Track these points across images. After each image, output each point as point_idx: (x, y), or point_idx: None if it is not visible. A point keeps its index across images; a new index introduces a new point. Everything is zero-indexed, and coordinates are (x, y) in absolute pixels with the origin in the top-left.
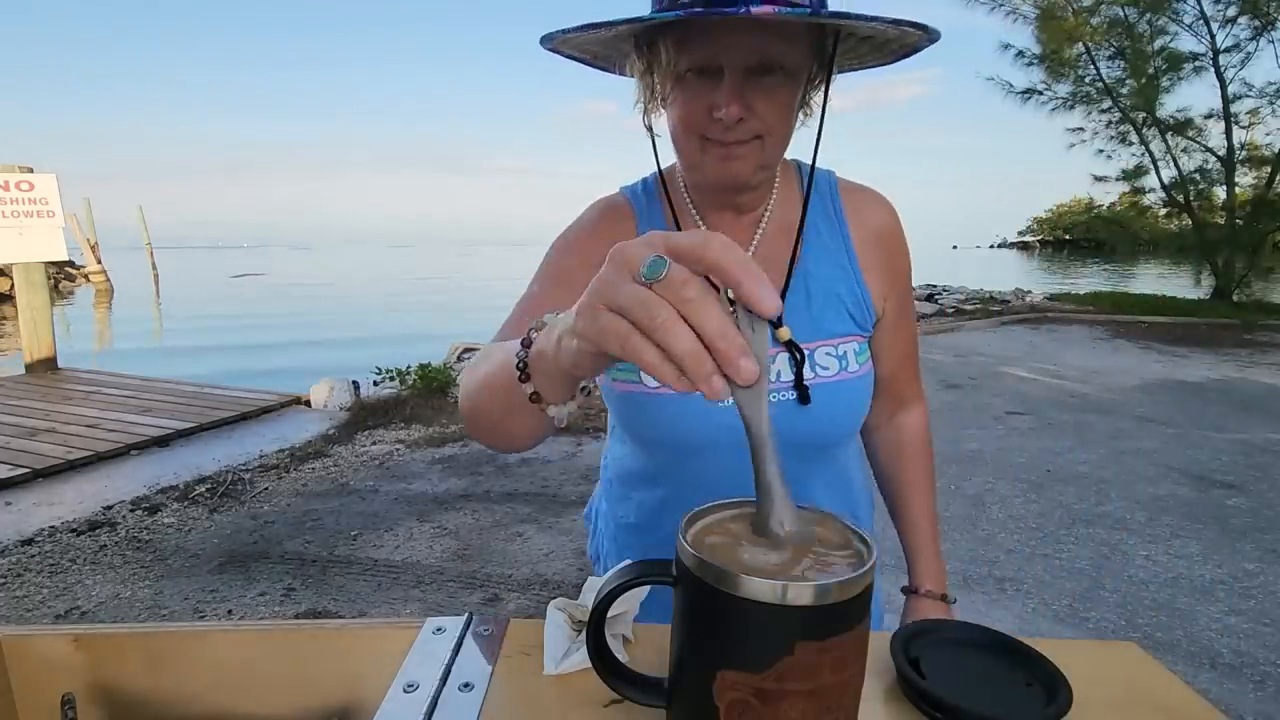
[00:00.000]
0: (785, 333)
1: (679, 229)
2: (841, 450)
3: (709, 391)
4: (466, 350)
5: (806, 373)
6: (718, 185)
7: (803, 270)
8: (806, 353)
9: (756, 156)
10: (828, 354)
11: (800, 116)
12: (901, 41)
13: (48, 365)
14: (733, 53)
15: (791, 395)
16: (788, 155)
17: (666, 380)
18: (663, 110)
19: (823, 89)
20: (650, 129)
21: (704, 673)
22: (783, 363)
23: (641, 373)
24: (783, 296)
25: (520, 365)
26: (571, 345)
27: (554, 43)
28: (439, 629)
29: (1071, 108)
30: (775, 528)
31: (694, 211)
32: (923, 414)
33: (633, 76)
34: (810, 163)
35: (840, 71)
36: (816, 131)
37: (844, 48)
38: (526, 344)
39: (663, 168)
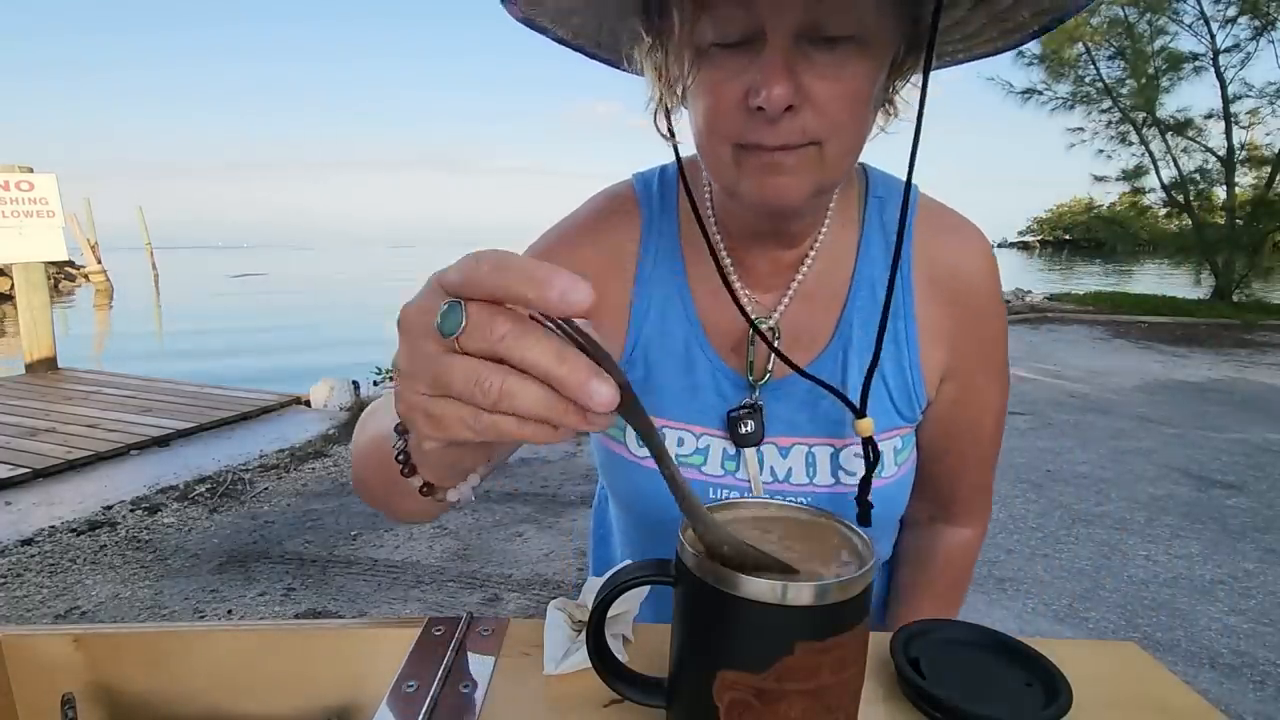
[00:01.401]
0: (867, 426)
1: (706, 247)
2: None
3: (588, 427)
4: None
5: (823, 478)
6: (759, 210)
7: (843, 339)
8: (831, 452)
9: (813, 171)
10: (856, 454)
11: (879, 117)
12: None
13: (48, 365)
14: (778, 9)
15: (807, 501)
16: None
17: (544, 440)
18: (683, 108)
19: (918, 75)
20: (670, 133)
21: (704, 673)
22: (797, 459)
23: (626, 433)
24: (811, 371)
25: (401, 457)
26: (424, 450)
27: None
28: (439, 629)
29: (1071, 108)
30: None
31: (717, 233)
32: (976, 536)
33: (639, 70)
34: (905, 183)
35: (944, 62)
36: (912, 143)
37: (951, 18)
38: (403, 429)
39: (685, 169)
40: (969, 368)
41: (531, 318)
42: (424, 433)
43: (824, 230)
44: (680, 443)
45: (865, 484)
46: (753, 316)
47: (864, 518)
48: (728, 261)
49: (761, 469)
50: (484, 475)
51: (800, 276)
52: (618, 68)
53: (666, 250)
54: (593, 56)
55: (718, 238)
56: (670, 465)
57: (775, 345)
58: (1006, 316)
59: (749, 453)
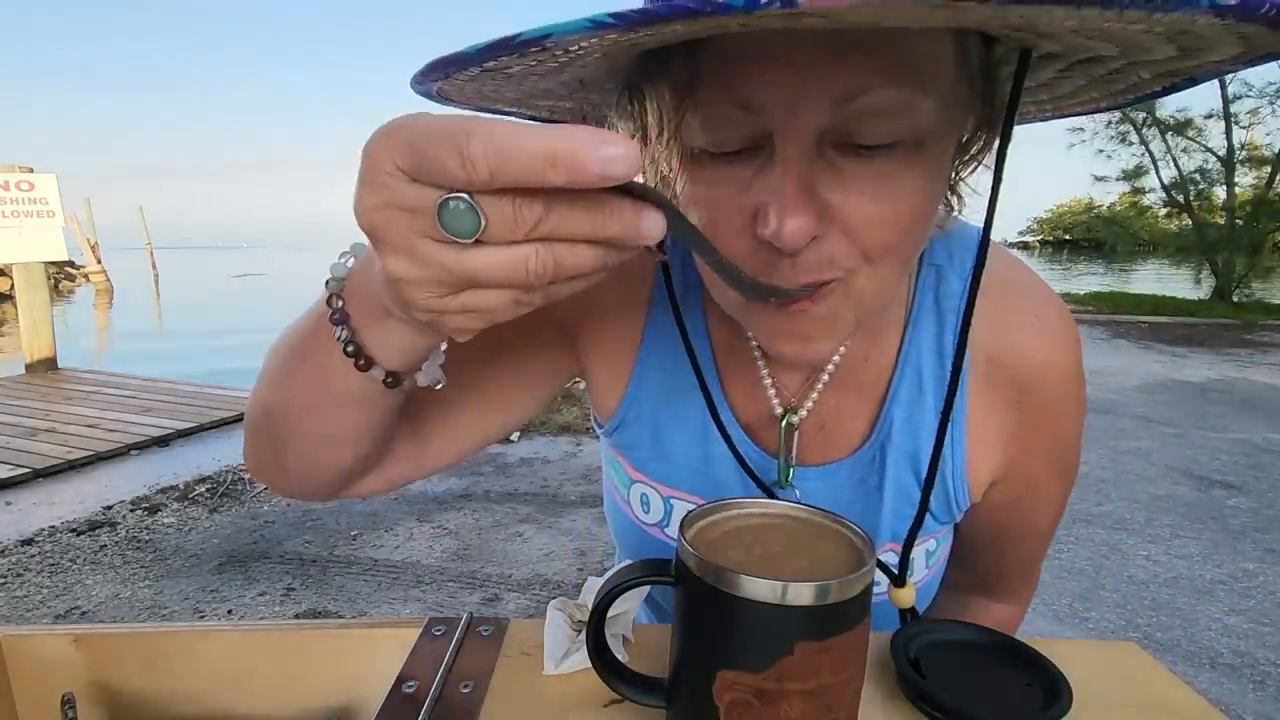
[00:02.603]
0: (907, 597)
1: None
2: None
3: (647, 242)
4: None
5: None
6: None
7: (881, 434)
8: None
9: (845, 316)
10: (882, 560)
11: (944, 210)
12: (1150, 63)
13: (48, 365)
14: (789, 105)
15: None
16: None
17: (602, 277)
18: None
19: (990, 151)
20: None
21: (704, 673)
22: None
23: (629, 495)
24: (845, 469)
25: (350, 349)
26: (464, 340)
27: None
28: (439, 629)
29: None
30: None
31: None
32: (1016, 616)
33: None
34: (975, 269)
35: (1028, 120)
36: (984, 224)
37: (1038, 79)
38: (340, 316)
39: None
40: (1032, 470)
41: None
42: (459, 327)
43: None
44: None
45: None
46: (776, 406)
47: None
48: (752, 338)
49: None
50: (441, 366)
51: (836, 359)
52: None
53: (689, 293)
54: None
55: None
56: (691, 232)
57: (795, 447)
58: (1084, 409)
59: None
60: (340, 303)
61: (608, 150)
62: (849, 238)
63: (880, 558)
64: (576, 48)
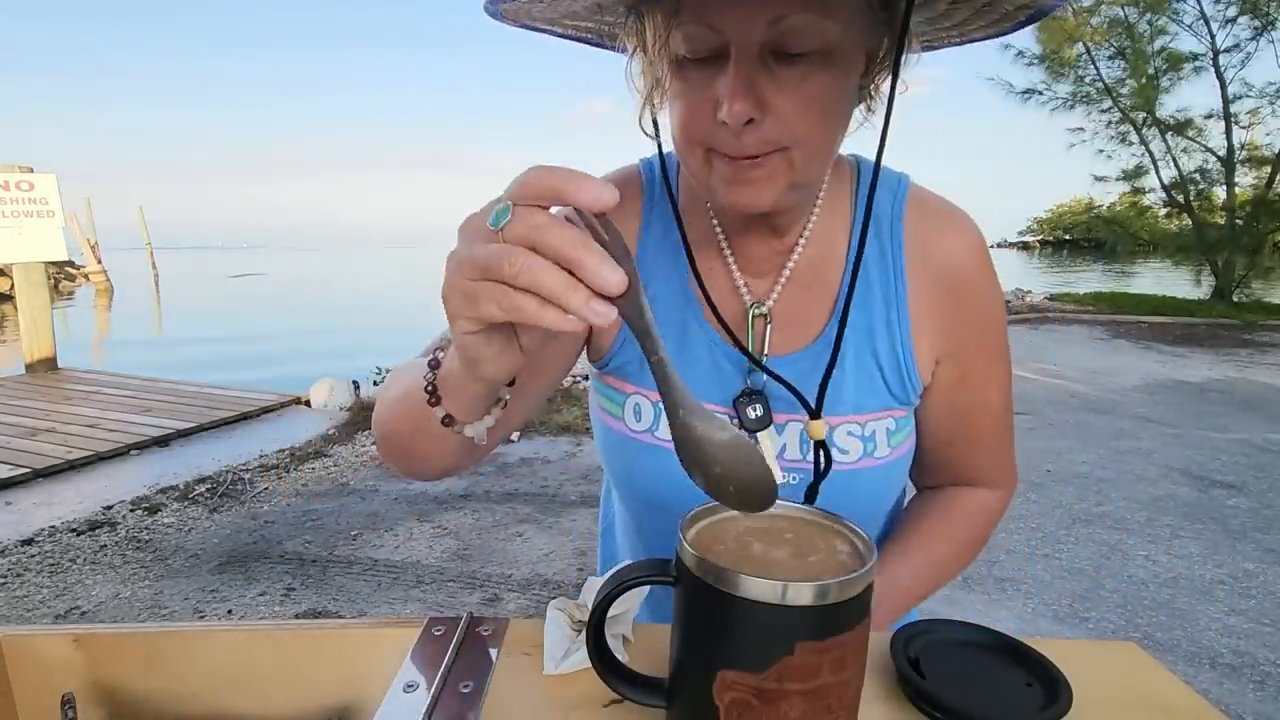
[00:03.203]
0: (819, 429)
1: (683, 231)
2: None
3: (594, 318)
4: None
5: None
6: (731, 210)
7: (838, 320)
8: (827, 430)
9: (781, 176)
10: (850, 433)
11: (860, 113)
12: None
13: (48, 365)
14: (738, 23)
15: (801, 479)
16: (845, 150)
17: (554, 324)
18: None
19: (889, 70)
20: (655, 131)
21: (704, 673)
22: (792, 436)
23: (624, 409)
24: (805, 356)
25: (430, 388)
26: (460, 339)
27: (504, 9)
28: (439, 629)
29: (1071, 108)
30: (711, 436)
31: (716, 224)
32: (998, 499)
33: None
34: (875, 163)
35: (937, 44)
36: (881, 132)
37: (934, 10)
38: (435, 364)
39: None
40: (968, 350)
41: (566, 218)
42: (459, 311)
43: (814, 218)
44: None
45: (813, 489)
46: (748, 300)
47: (810, 497)
48: (724, 245)
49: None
50: (494, 420)
51: (793, 262)
52: (613, 49)
53: (666, 229)
54: (580, 39)
55: (714, 223)
56: (660, 352)
57: (768, 336)
58: (1003, 299)
59: (762, 437)
60: (432, 381)
61: (605, 186)
62: (781, 123)
63: (845, 429)
64: None
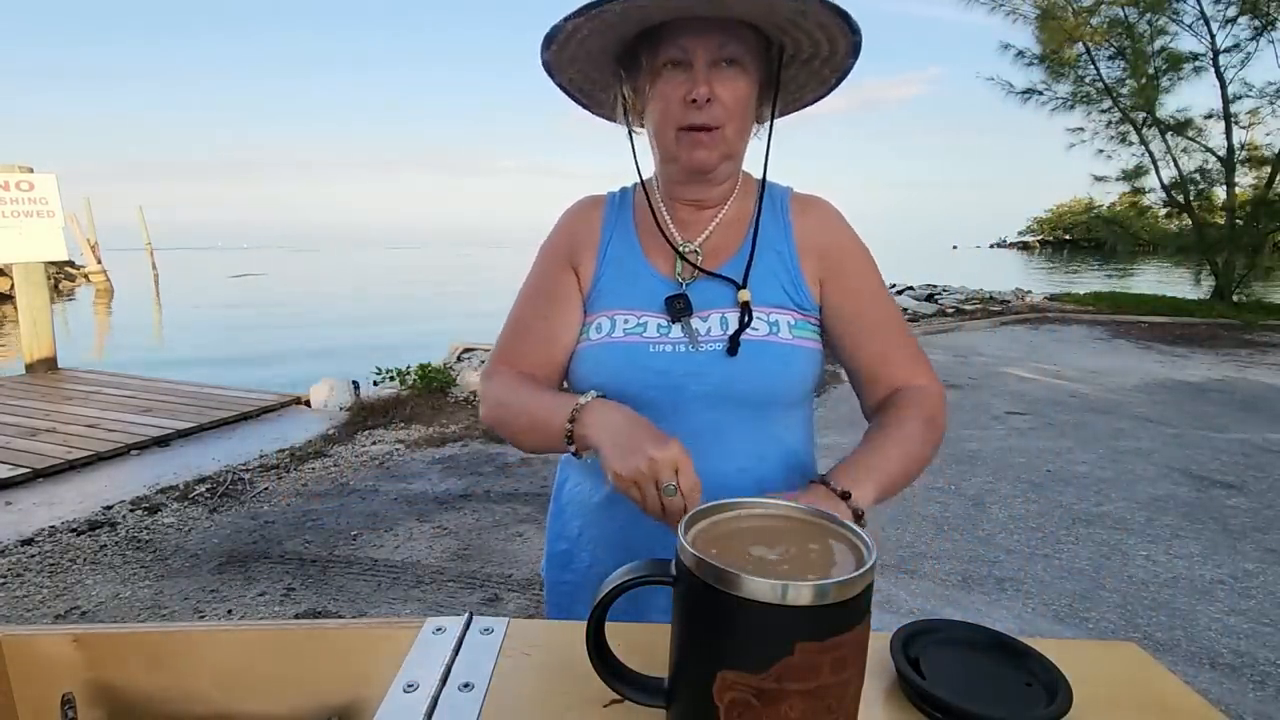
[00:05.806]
0: (745, 294)
1: (652, 218)
2: (773, 416)
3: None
4: (466, 350)
5: (730, 330)
6: (689, 170)
7: (743, 255)
8: (736, 315)
9: (721, 145)
10: (759, 318)
11: (755, 127)
12: (832, 59)
13: (48, 365)
14: (700, 44)
15: (721, 346)
16: (753, 174)
17: (659, 515)
18: (641, 128)
19: (770, 104)
20: (631, 134)
21: (704, 673)
22: (714, 322)
23: (589, 335)
24: (723, 267)
25: (568, 438)
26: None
27: (553, 48)
28: (439, 629)
29: (1071, 108)
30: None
31: (663, 208)
32: (930, 392)
33: (616, 118)
34: (762, 175)
35: (785, 111)
36: (766, 141)
37: (786, 74)
38: (572, 419)
39: (642, 173)
40: (842, 269)
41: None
42: (627, 489)
43: (732, 200)
44: (626, 321)
45: (734, 338)
46: (681, 248)
47: (732, 349)
48: (668, 219)
49: (689, 330)
50: None
51: (716, 222)
52: (600, 115)
53: (624, 219)
54: (580, 103)
55: (663, 208)
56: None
57: (698, 263)
58: (863, 244)
59: (689, 321)
60: (571, 428)
61: (698, 484)
62: (721, 106)
63: (756, 314)
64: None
